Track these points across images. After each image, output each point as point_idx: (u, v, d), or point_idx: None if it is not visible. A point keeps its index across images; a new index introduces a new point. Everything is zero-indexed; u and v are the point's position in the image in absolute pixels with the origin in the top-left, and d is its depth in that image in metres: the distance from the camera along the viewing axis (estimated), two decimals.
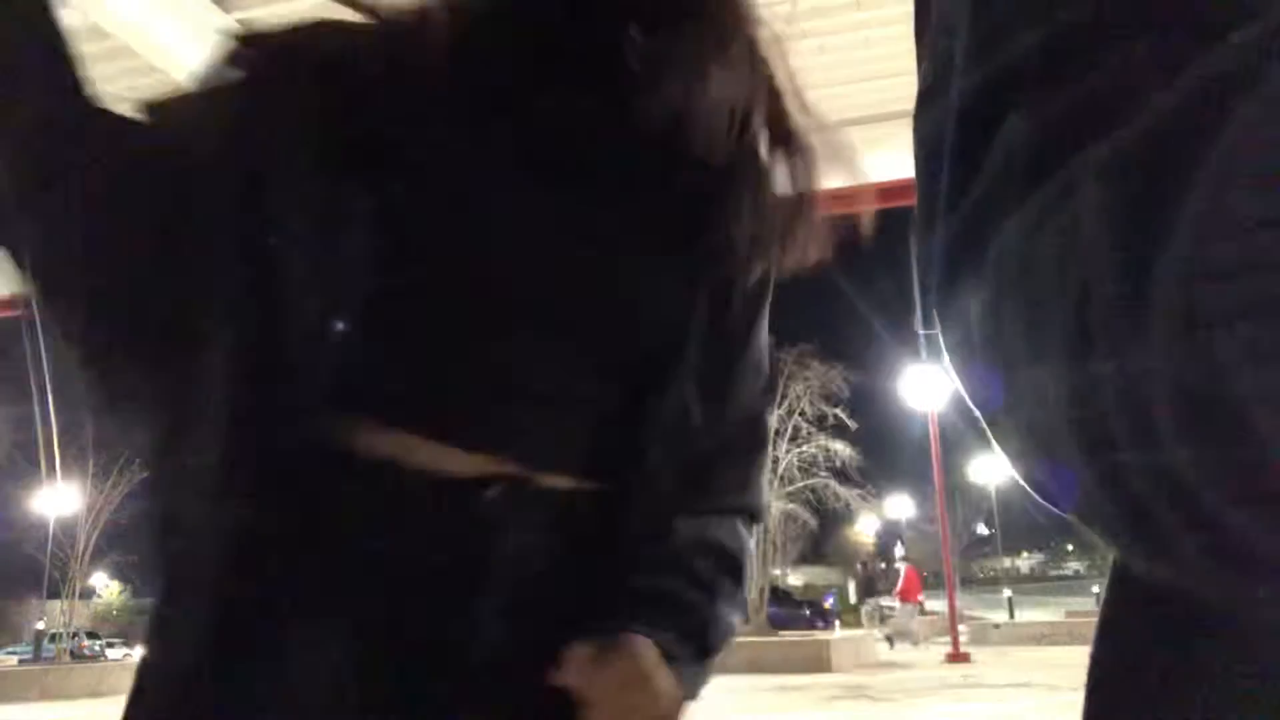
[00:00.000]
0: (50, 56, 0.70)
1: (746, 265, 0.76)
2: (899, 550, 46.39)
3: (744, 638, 19.12)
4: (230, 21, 4.98)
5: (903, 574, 23.26)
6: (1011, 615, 29.70)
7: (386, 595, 0.67)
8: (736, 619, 0.76)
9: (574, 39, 0.71)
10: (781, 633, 21.00)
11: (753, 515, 0.80)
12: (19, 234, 0.69)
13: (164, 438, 0.70)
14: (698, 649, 0.72)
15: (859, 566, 27.77)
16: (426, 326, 0.71)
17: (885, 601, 24.87)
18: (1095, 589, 39.52)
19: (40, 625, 26.98)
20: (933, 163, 0.40)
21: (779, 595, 26.96)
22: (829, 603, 30.90)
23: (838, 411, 22.26)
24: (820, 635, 20.07)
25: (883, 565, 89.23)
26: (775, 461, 22.28)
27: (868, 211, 0.86)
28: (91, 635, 32.45)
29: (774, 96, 0.77)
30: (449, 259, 0.70)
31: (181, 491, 0.68)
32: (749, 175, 0.76)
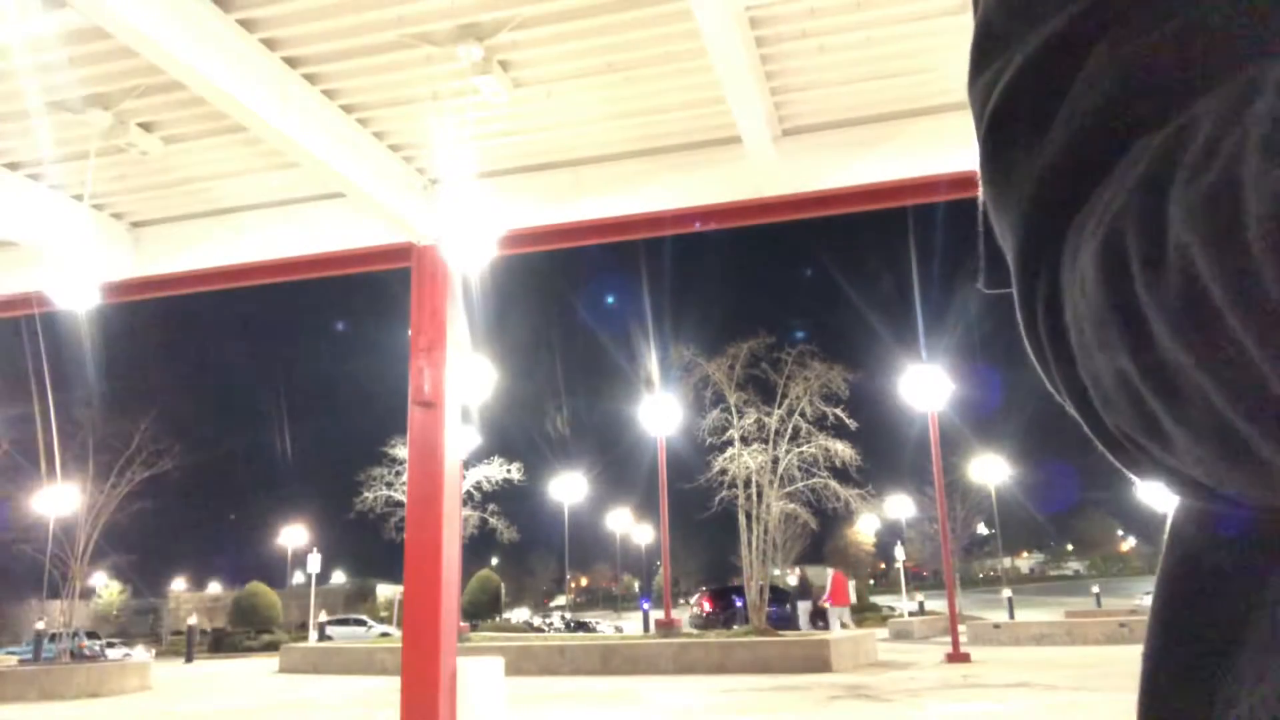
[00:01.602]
0: None
1: None
2: (899, 551, 46.33)
3: (744, 638, 19.08)
4: (231, 22, 4.97)
5: (830, 579, 23.75)
6: (1011, 615, 29.66)
7: None
8: None
9: None
10: (781, 633, 20.98)
11: None
12: None
13: None
14: None
15: (796, 569, 28.06)
16: None
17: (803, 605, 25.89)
18: (1095, 589, 39.48)
19: (40, 625, 26.94)
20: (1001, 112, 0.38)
21: (779, 595, 26.97)
22: (829, 603, 30.86)
23: (838, 411, 22.23)
24: (820, 635, 20.03)
25: (882, 566, 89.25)
26: (775, 461, 22.26)
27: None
28: (91, 635, 32.43)
29: None
30: None
31: None
32: None
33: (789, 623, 24.86)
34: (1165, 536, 0.43)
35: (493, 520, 29.93)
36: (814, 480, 22.36)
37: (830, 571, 23.67)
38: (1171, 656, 0.40)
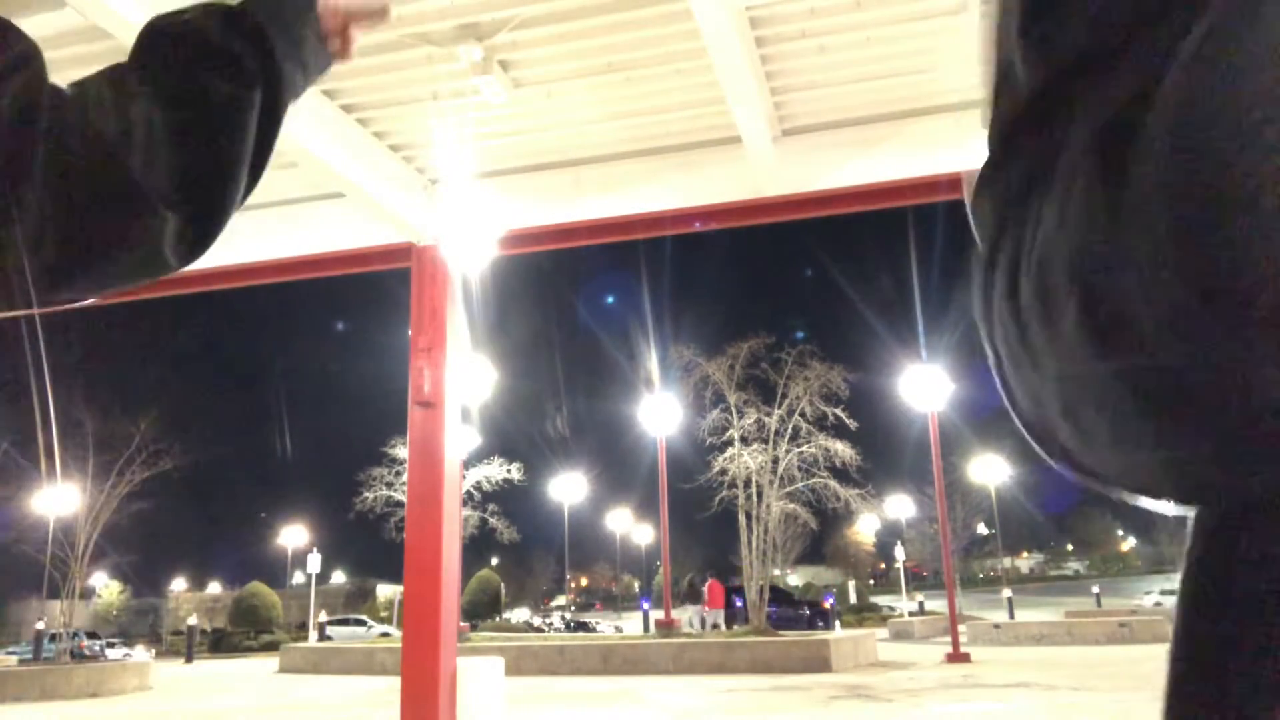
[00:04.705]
0: None
1: None
2: (899, 551, 46.36)
3: (744, 638, 19.08)
4: None
5: (707, 587, 24.87)
6: (1011, 615, 29.66)
7: None
8: None
9: None
10: (781, 633, 20.98)
11: None
12: None
13: None
14: None
15: (690, 577, 29.95)
16: None
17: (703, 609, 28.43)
18: (1095, 589, 39.51)
19: (40, 625, 26.97)
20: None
21: (778, 595, 27.00)
22: (829, 603, 30.90)
23: (838, 411, 22.21)
24: (820, 635, 20.03)
25: (882, 566, 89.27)
26: (775, 461, 22.26)
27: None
28: (91, 635, 32.45)
29: None
30: None
31: None
32: None
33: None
34: (1186, 550, 0.42)
35: (493, 520, 29.91)
36: (814, 480, 22.35)
37: (707, 578, 24.80)
38: (1200, 676, 0.40)
